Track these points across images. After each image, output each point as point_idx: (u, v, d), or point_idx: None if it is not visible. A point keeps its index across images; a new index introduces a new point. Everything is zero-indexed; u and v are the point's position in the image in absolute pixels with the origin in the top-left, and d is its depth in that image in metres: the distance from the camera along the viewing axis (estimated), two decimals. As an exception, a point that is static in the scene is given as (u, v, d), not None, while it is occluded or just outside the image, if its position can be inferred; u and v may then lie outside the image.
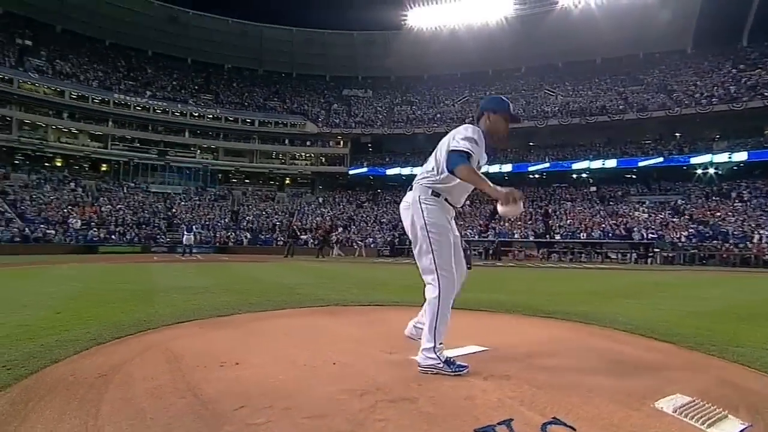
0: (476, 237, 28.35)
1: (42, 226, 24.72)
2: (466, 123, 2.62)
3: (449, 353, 2.63)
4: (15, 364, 2.52)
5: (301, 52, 44.48)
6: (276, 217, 34.74)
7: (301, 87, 45.81)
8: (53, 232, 24.59)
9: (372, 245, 28.31)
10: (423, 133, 37.19)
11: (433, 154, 2.63)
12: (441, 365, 2.37)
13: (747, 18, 36.13)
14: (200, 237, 28.27)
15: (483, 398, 1.98)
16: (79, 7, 36.09)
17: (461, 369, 2.38)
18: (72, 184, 31.13)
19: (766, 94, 28.94)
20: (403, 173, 36.58)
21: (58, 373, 2.41)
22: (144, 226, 28.95)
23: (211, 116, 38.23)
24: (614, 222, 27.39)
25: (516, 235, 27.76)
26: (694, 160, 31.21)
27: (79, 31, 37.44)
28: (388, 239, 29.21)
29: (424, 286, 2.53)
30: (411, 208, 2.52)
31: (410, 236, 2.56)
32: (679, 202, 29.31)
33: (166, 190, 35.39)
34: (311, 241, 28.34)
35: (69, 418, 1.79)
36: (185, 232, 20.15)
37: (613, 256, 23.85)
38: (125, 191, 33.25)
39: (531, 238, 27.15)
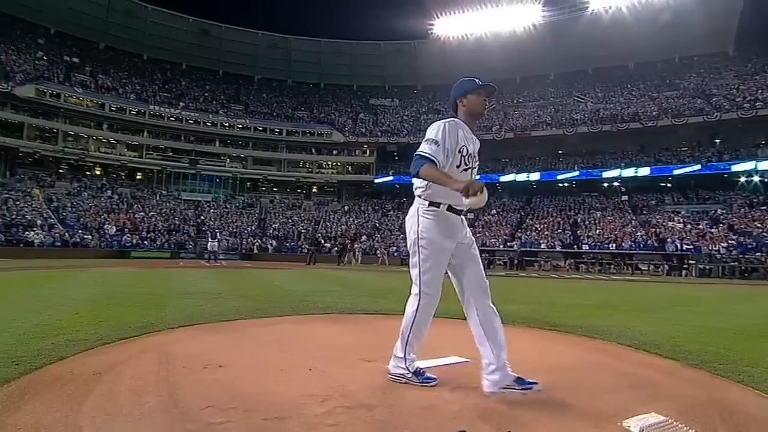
0: (501, 246, 27.91)
1: (80, 231, 26.15)
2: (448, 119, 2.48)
3: (427, 363, 2.67)
4: (23, 361, 2.73)
5: (328, 63, 45.40)
6: (302, 225, 35.38)
7: (329, 97, 46.70)
8: (90, 237, 25.96)
9: (395, 254, 28.33)
10: (449, 141, 37.08)
11: None
12: (409, 375, 2.39)
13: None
14: (227, 244, 29.12)
15: (442, 409, 2.01)
16: (121, 25, 38.28)
17: (429, 381, 2.39)
18: (109, 192, 32.86)
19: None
20: (428, 181, 36.43)
21: (58, 370, 2.60)
22: (174, 232, 30.12)
23: (240, 126, 39.53)
24: (646, 232, 26.34)
25: (542, 245, 27.13)
26: (736, 168, 29.59)
27: (119, 47, 39.65)
28: (412, 248, 29.11)
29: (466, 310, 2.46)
30: (410, 221, 2.46)
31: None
32: (719, 211, 27.88)
33: (197, 197, 36.71)
34: (334, 249, 28.67)
35: (53, 411, 1.95)
36: (210, 239, 20.83)
37: (644, 268, 22.91)
38: (158, 199, 34.74)
39: (558, 248, 26.46)
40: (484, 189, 2.13)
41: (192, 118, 37.65)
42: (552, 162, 36.57)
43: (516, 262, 24.54)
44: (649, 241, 25.20)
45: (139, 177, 37.44)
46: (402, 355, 2.41)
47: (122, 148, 35.94)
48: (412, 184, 2.50)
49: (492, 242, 28.67)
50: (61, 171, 33.31)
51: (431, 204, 2.38)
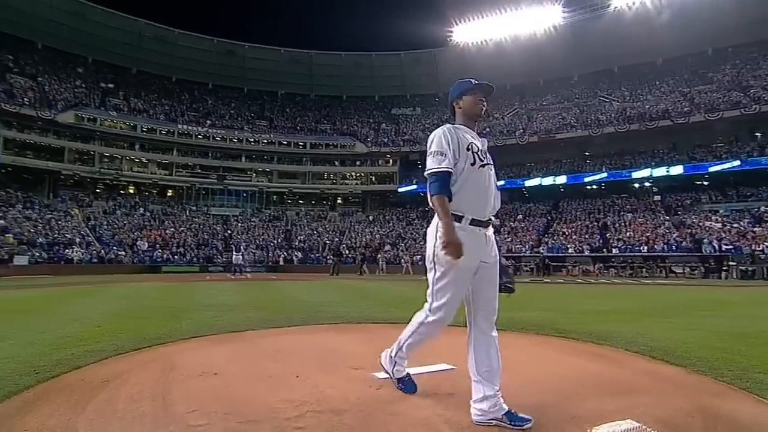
0: (528, 252, 27.38)
1: (115, 248, 27.49)
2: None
3: (413, 370, 2.73)
4: (43, 369, 3.00)
5: (349, 76, 46.16)
6: (326, 236, 35.85)
7: (351, 109, 47.43)
8: (124, 253, 27.23)
9: (420, 263, 28.25)
10: (471, 147, 36.85)
11: None
12: (393, 379, 2.52)
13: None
14: (254, 257, 29.84)
15: (410, 415, 2.09)
16: (153, 50, 40.34)
17: (407, 389, 2.47)
18: (141, 209, 34.42)
19: None
20: (452, 188, 36.33)
21: (72, 378, 2.84)
22: (203, 246, 31.16)
23: (265, 141, 40.69)
24: (680, 233, 25.23)
25: (570, 250, 26.43)
26: (780, 162, 27.97)
27: (150, 71, 41.70)
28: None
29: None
30: (429, 235, 2.27)
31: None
32: (762, 209, 26.37)
33: (225, 212, 37.89)
34: (358, 258, 28.91)
35: (59, 415, 2.16)
36: (234, 252, 21.42)
37: (678, 271, 21.90)
38: (187, 214, 36.06)
39: (587, 253, 25.69)
40: (461, 255, 2.03)
41: (219, 136, 39.05)
42: (578, 164, 35.70)
43: (543, 267, 23.96)
44: (684, 243, 24.10)
45: (169, 194, 39.02)
46: (393, 354, 2.50)
47: (153, 167, 37.62)
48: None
49: (518, 248, 28.18)
50: (98, 191, 35.22)
51: (454, 218, 2.15)
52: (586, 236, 27.83)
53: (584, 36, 37.65)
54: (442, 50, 42.90)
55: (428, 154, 2.23)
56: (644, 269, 22.86)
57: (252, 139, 40.28)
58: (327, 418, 2.02)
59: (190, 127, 38.36)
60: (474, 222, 2.19)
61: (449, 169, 2.14)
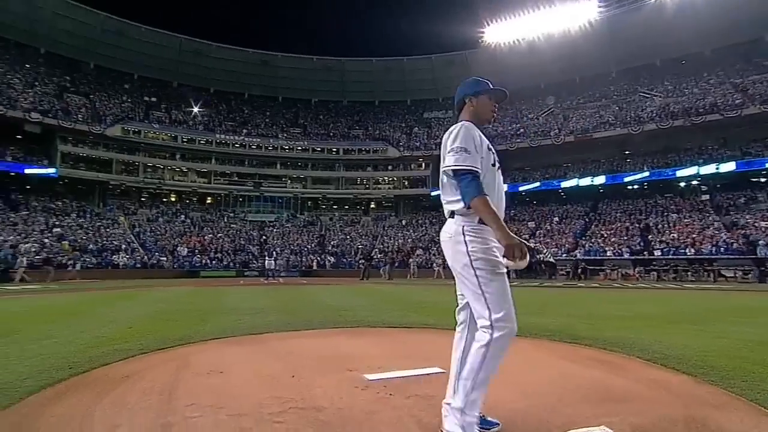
0: (563, 255, 26.58)
1: (157, 254, 29.17)
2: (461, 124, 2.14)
3: (403, 373, 2.85)
4: (76, 365, 3.36)
5: (381, 81, 46.62)
6: (359, 240, 36.30)
7: (383, 114, 47.87)
8: (165, 259, 28.84)
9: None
10: (506, 149, 36.06)
11: (441, 170, 2.17)
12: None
13: None
14: (288, 261, 30.69)
15: (385, 414, 2.22)
16: (192, 64, 42.48)
17: (492, 426, 2.12)
18: (182, 217, 36.37)
19: None
20: (485, 191, 35.87)
21: (99, 373, 3.18)
22: (239, 252, 32.40)
23: (299, 148, 41.87)
24: (731, 235, 23.68)
25: (608, 252, 25.41)
26: None
27: (190, 84, 43.93)
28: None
29: (460, 325, 2.19)
30: (452, 240, 2.07)
31: (454, 274, 2.12)
32: (829, 207, 24.38)
33: (261, 218, 39.22)
34: (387, 262, 29.08)
35: (81, 404, 2.46)
36: (267, 258, 22.17)
37: (729, 275, 20.55)
38: (225, 221, 37.69)
39: (626, 255, 24.61)
40: (527, 255, 1.91)
41: (255, 144, 40.57)
42: (618, 164, 34.29)
43: (579, 271, 23.19)
44: (736, 245, 22.62)
45: (208, 201, 40.88)
46: (460, 406, 1.94)
47: (193, 176, 39.63)
48: (442, 198, 2.16)
49: (554, 251, 27.40)
50: (142, 199, 37.57)
51: (480, 221, 2.01)
52: (626, 238, 26.69)
53: (623, 30, 36.20)
54: (474, 52, 42.51)
55: (450, 149, 2.03)
56: (689, 272, 21.62)
57: (286, 147, 41.52)
58: (306, 414, 2.19)
59: (227, 137, 40.10)
60: None
61: (479, 169, 1.99)
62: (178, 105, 41.93)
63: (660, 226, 27.22)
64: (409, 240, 35.43)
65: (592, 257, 25.66)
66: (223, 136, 39.98)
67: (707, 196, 30.01)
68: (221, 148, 39.60)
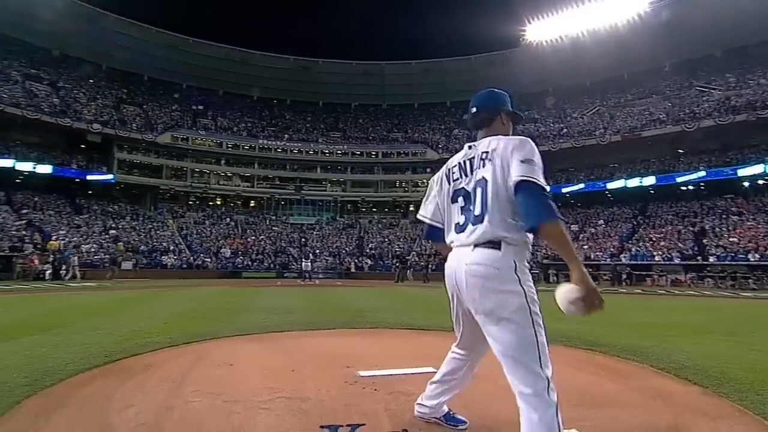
0: (607, 260, 25.41)
1: (202, 255, 30.77)
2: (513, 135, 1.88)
3: (393, 371, 3.00)
4: (111, 354, 3.78)
5: (420, 83, 46.57)
6: (397, 243, 36.50)
7: (422, 116, 47.84)
8: (209, 260, 30.38)
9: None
10: (548, 150, 34.94)
11: (491, 184, 1.72)
12: None
13: None
14: (326, 264, 31.39)
15: (363, 406, 2.40)
16: (236, 72, 44.45)
17: None
18: (227, 220, 38.16)
19: None
20: (526, 194, 34.90)
21: (128, 362, 3.57)
22: (280, 254, 33.55)
23: (339, 152, 42.76)
24: (800, 240, 21.73)
25: (656, 257, 24.02)
26: None
27: (234, 92, 45.98)
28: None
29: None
30: (498, 277, 1.65)
31: (481, 319, 1.74)
32: None
33: (302, 221, 40.42)
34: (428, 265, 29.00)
35: (106, 388, 2.82)
36: (304, 260, 22.84)
37: (795, 283, 18.89)
38: (267, 224, 39.10)
39: (676, 261, 23.15)
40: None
41: (296, 148, 41.92)
42: (670, 163, 32.26)
43: (624, 276, 22.10)
44: (805, 250, 20.75)
45: (252, 205, 42.53)
46: None
47: (237, 180, 41.39)
48: (484, 220, 1.70)
49: (597, 255, 26.30)
50: (189, 203, 39.77)
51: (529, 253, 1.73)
52: (678, 242, 25.11)
53: (677, 21, 33.91)
54: (515, 51, 41.52)
55: (523, 159, 1.64)
56: (750, 280, 20.03)
57: (327, 151, 42.54)
58: (291, 403, 2.42)
59: (269, 142, 41.64)
60: None
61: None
62: (224, 112, 44.09)
63: (717, 229, 25.38)
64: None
65: (639, 262, 24.37)
66: (265, 142, 41.52)
67: (775, 197, 27.63)
68: (264, 153, 41.14)
